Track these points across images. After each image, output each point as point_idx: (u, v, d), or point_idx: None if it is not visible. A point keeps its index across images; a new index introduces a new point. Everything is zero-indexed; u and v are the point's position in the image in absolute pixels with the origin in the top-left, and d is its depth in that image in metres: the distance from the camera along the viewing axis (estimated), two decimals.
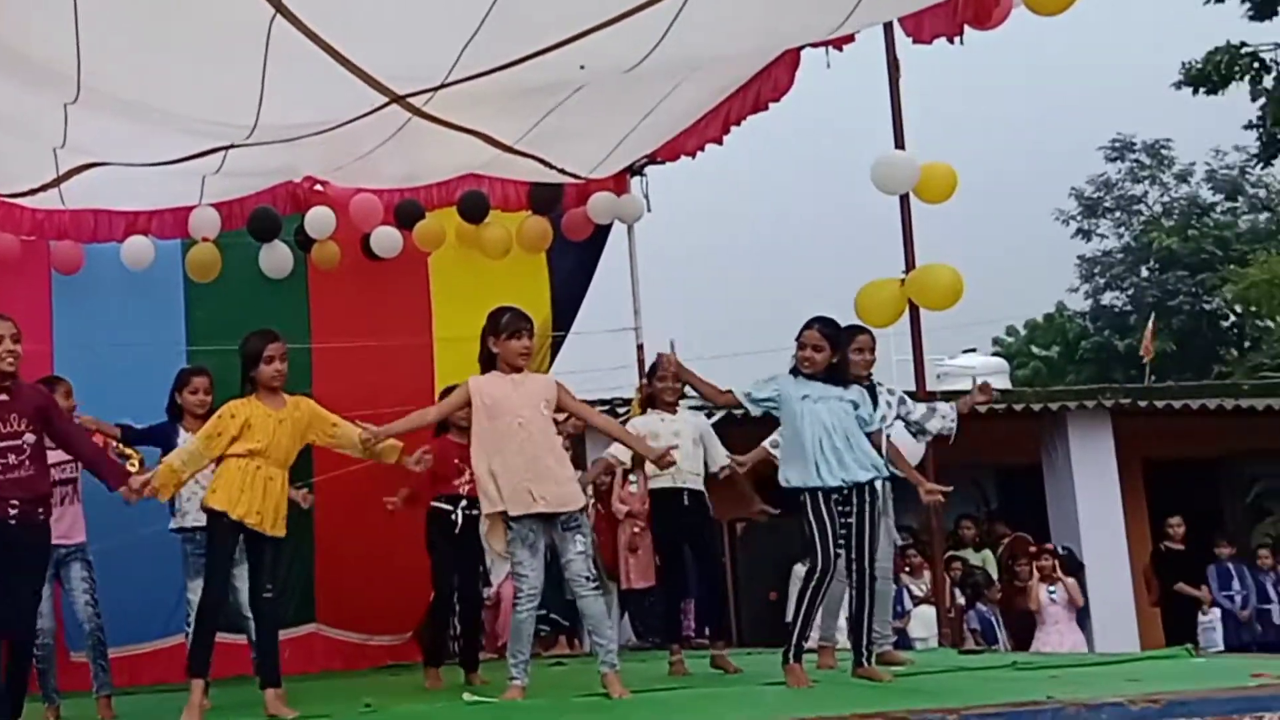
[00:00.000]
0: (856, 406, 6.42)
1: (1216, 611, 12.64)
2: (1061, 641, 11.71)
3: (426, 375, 9.79)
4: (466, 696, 6.54)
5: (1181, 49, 22.27)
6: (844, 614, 7.09)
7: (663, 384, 7.56)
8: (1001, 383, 17.30)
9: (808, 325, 6.44)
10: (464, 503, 7.64)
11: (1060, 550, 12.92)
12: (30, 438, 5.98)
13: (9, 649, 5.98)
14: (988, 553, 13.03)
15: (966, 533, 13.26)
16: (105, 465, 6.40)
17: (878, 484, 6.54)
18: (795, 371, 6.45)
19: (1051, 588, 12.06)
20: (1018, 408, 14.33)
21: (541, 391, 6.41)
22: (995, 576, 12.59)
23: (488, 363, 6.47)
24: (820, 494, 6.22)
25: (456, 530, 7.72)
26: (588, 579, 6.24)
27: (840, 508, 6.24)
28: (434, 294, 10.37)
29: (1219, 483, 16.66)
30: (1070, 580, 12.11)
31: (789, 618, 6.71)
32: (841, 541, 6.25)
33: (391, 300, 10.18)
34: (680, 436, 7.46)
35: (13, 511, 5.87)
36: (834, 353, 6.42)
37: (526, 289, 10.17)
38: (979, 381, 7.70)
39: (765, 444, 7.62)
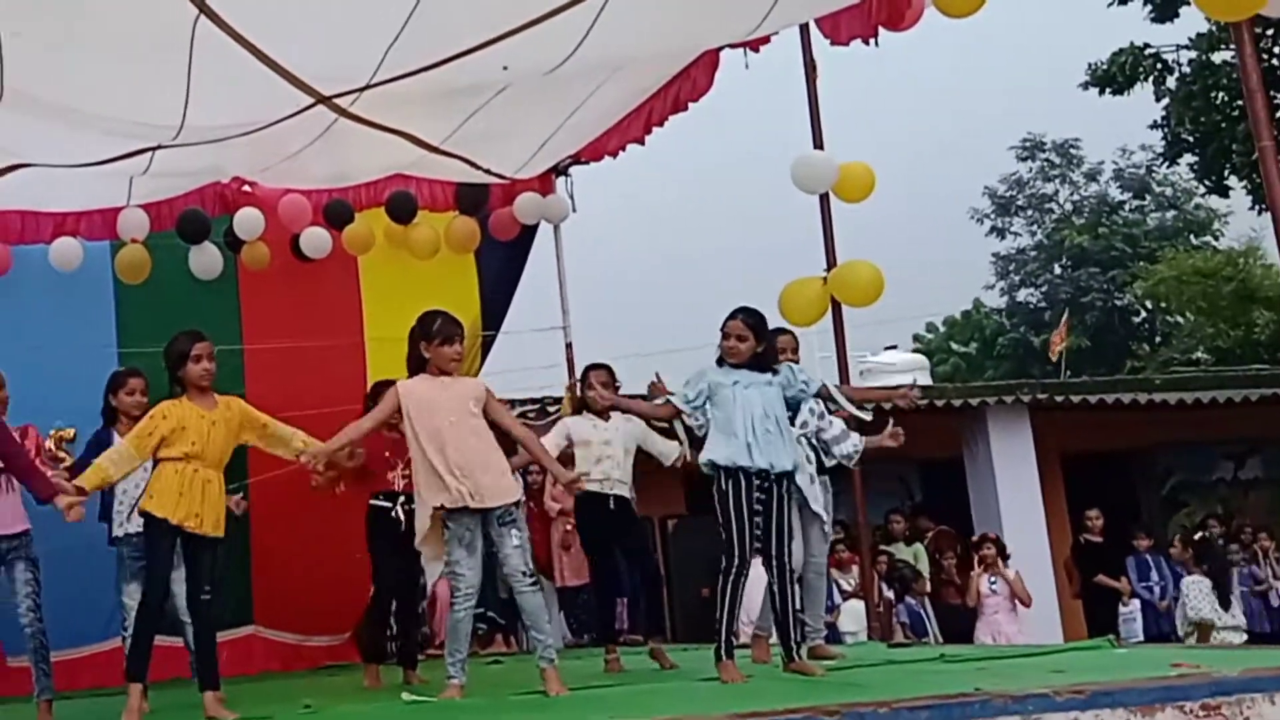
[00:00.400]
0: (786, 386, 6.51)
1: (1136, 602, 12.74)
2: (1000, 632, 11.74)
3: (359, 375, 9.74)
4: (405, 696, 6.53)
5: (1088, 50, 22.65)
6: None
7: (592, 392, 7.56)
8: (923, 378, 17.55)
9: (731, 316, 6.49)
10: (402, 499, 7.57)
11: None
12: None
13: None
14: (918, 546, 13.07)
15: (896, 526, 13.29)
16: (34, 477, 6.29)
17: (797, 477, 6.62)
18: (721, 361, 6.50)
19: (992, 578, 12.14)
20: (939, 403, 14.46)
21: (470, 392, 6.39)
22: (926, 570, 12.64)
23: (417, 366, 6.43)
24: (743, 476, 6.22)
25: (401, 528, 7.62)
26: (525, 573, 6.22)
27: (759, 496, 6.25)
28: (365, 294, 10.36)
29: (1135, 475, 16.85)
30: (1011, 572, 12.15)
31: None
32: (759, 533, 6.25)
33: (322, 300, 10.15)
34: (611, 445, 7.51)
35: None
36: (758, 342, 6.47)
37: (455, 289, 10.22)
38: (892, 429, 7.66)
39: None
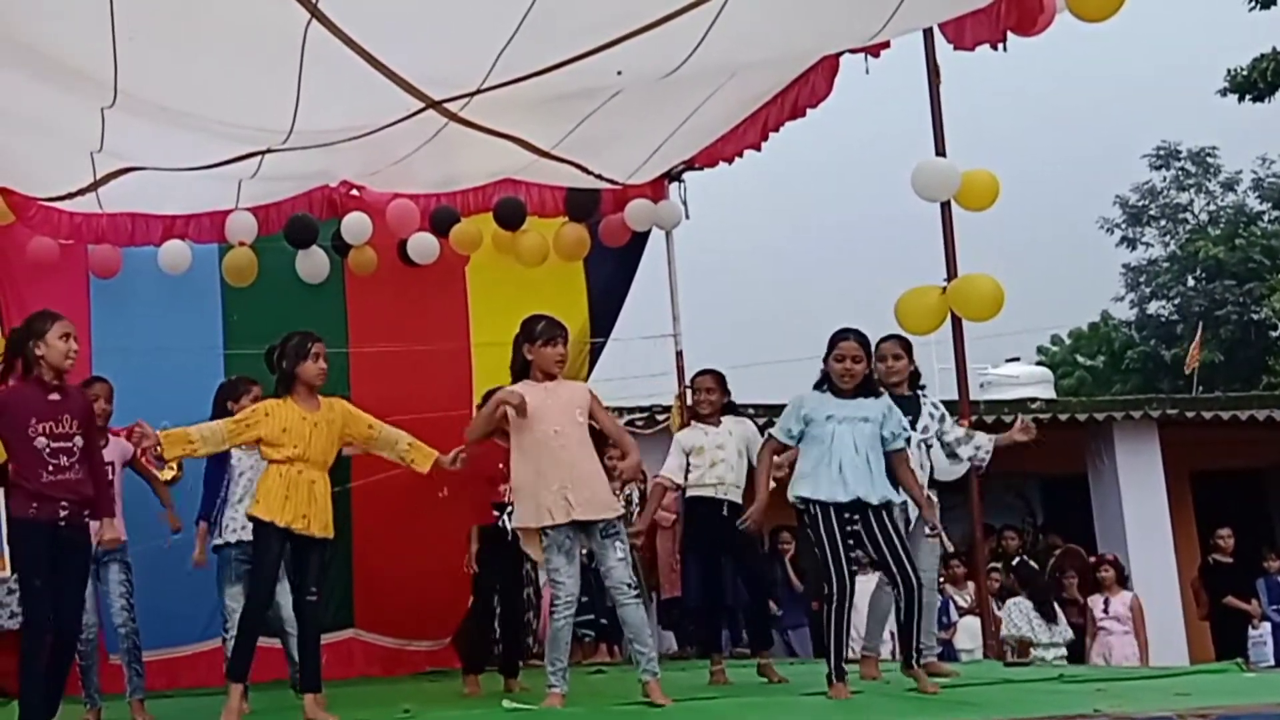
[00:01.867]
0: (883, 424, 6.27)
1: (1267, 625, 12.39)
2: (1113, 655, 11.38)
3: (464, 380, 9.83)
4: (505, 704, 6.45)
5: (1227, 56, 22.17)
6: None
7: (697, 397, 7.59)
8: (1046, 392, 17.17)
9: (844, 337, 6.30)
10: (510, 508, 7.48)
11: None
12: (80, 440, 5.99)
13: (51, 647, 5.95)
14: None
15: (1010, 544, 13.03)
16: (102, 495, 6.24)
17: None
18: (820, 386, 6.33)
19: (1105, 600, 11.76)
20: (1063, 417, 14.15)
21: (575, 399, 6.37)
22: None
23: (521, 370, 6.43)
24: (832, 509, 6.11)
25: (507, 537, 7.62)
26: (629, 586, 6.20)
27: (849, 527, 6.12)
28: (471, 299, 10.33)
29: (1268, 494, 16.48)
30: (1129, 596, 11.78)
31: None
32: (854, 558, 6.15)
33: (428, 305, 10.14)
34: (724, 449, 7.44)
35: (63, 513, 5.89)
36: (869, 364, 6.33)
37: (564, 295, 10.14)
38: (1022, 421, 7.46)
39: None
